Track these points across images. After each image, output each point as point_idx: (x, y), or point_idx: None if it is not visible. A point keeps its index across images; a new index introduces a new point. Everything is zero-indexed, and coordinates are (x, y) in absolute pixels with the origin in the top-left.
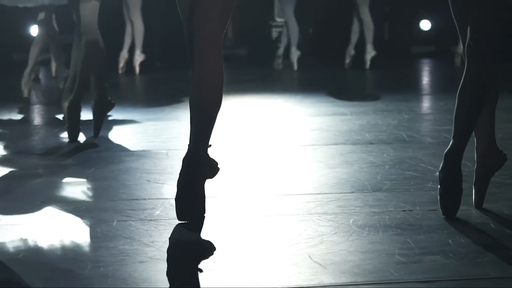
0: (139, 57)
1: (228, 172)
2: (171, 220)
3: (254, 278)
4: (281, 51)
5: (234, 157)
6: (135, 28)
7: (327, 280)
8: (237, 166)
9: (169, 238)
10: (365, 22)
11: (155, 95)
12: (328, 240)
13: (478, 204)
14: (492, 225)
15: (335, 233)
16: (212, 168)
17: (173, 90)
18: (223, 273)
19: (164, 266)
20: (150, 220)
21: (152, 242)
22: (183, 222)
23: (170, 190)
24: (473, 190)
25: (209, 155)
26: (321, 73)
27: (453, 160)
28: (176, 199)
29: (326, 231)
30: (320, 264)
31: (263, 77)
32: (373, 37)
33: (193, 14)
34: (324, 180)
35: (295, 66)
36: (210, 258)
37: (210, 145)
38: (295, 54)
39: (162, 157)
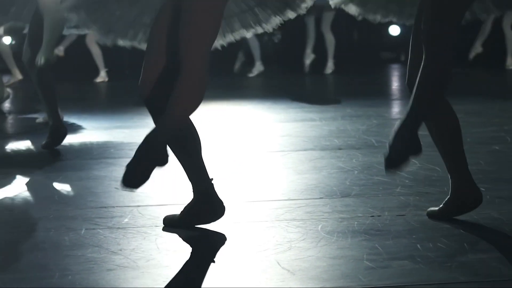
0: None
1: None
2: (140, 228)
3: (223, 284)
4: (241, 58)
5: (206, 163)
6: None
7: (295, 286)
8: (209, 172)
9: (137, 246)
10: (326, 38)
11: (124, 103)
12: (297, 246)
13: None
14: (461, 230)
15: (303, 239)
16: (164, 156)
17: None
18: (191, 280)
19: (132, 274)
20: (119, 228)
21: (120, 250)
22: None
23: (138, 197)
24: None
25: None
26: (290, 80)
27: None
28: (130, 166)
29: (295, 237)
30: (289, 270)
31: (230, 84)
32: (334, 52)
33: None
34: (292, 186)
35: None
36: (178, 265)
37: None
38: (259, 68)
39: None
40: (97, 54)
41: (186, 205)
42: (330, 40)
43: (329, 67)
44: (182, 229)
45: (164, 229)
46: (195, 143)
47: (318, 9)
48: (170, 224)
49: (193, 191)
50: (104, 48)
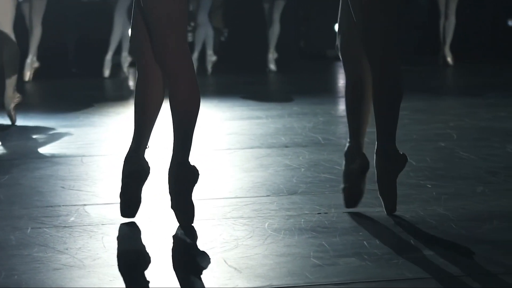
0: (33, 64)
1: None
2: (86, 227)
3: (170, 283)
4: (195, 55)
5: (151, 162)
6: (34, 34)
7: (242, 284)
8: (153, 171)
9: (84, 245)
10: (272, 27)
11: (70, 101)
12: (244, 244)
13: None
14: (407, 227)
15: (250, 237)
16: (195, 174)
17: (88, 96)
18: (138, 278)
19: (78, 273)
20: (65, 226)
21: (67, 249)
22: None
23: (85, 196)
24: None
25: (190, 162)
26: (236, 77)
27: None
28: (174, 208)
29: (242, 235)
30: (235, 268)
31: None
32: (276, 41)
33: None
34: (239, 184)
35: (209, 71)
36: (125, 264)
37: (148, 147)
38: (210, 58)
39: (77, 164)
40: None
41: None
42: (275, 29)
43: (271, 60)
44: (128, 228)
45: (110, 228)
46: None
47: None
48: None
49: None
50: (49, 46)
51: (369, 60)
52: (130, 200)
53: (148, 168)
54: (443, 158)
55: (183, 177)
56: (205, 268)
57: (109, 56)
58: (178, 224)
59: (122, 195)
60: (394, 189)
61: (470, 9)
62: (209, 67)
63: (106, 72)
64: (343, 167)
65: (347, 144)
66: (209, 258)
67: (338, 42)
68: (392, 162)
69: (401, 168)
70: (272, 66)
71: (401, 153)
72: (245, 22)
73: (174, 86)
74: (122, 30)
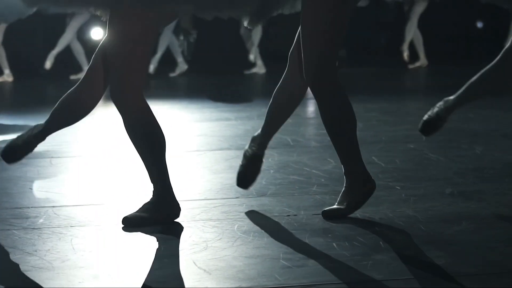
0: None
1: (114, 179)
2: (54, 229)
3: (139, 285)
4: (157, 56)
5: (120, 164)
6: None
7: (211, 286)
8: (123, 173)
9: (53, 247)
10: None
11: (38, 102)
12: (213, 246)
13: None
14: (376, 228)
15: (219, 239)
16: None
17: (56, 97)
18: (107, 280)
19: (47, 275)
20: (34, 228)
21: (35, 251)
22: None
23: (53, 197)
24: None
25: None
26: (205, 79)
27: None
28: None
29: (211, 237)
30: (205, 270)
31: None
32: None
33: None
34: (208, 186)
35: (175, 74)
36: (95, 266)
37: None
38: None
39: (46, 165)
40: (0, 54)
41: (144, 204)
42: (258, 30)
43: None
44: (97, 230)
45: (79, 230)
46: (160, 144)
47: None
48: (132, 224)
49: (153, 191)
50: (14, 49)
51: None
52: None
53: None
54: (412, 160)
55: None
56: (174, 270)
57: (54, 52)
58: (146, 227)
59: None
60: (344, 214)
61: (440, 11)
62: (177, 73)
63: (48, 64)
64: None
65: (259, 131)
66: (179, 260)
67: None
68: (359, 187)
69: (367, 196)
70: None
71: (371, 179)
72: (214, 24)
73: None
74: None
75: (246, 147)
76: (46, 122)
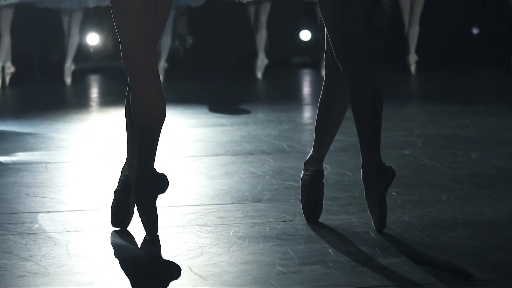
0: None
1: (110, 184)
2: (50, 234)
3: None
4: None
5: (115, 170)
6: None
7: None
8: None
9: (48, 252)
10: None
11: (35, 108)
12: (209, 252)
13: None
14: (372, 234)
15: (215, 245)
16: (162, 183)
17: (53, 103)
18: (102, 286)
19: (42, 280)
20: (29, 234)
21: (31, 256)
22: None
23: (49, 203)
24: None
25: (157, 170)
26: (201, 85)
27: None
28: (141, 215)
29: (207, 242)
30: (200, 276)
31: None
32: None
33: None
34: (204, 191)
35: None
36: (90, 272)
37: None
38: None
39: (41, 170)
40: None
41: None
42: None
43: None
44: (93, 235)
45: (75, 235)
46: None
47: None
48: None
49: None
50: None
51: (347, 73)
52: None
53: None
54: (408, 166)
55: (150, 186)
56: (170, 275)
57: (68, 64)
58: (142, 232)
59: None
60: (383, 204)
61: (435, 17)
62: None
63: (68, 80)
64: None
65: (310, 153)
66: (174, 266)
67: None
68: (379, 175)
69: (389, 181)
70: (259, 74)
71: (388, 166)
72: (210, 29)
73: (139, 94)
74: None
75: (302, 175)
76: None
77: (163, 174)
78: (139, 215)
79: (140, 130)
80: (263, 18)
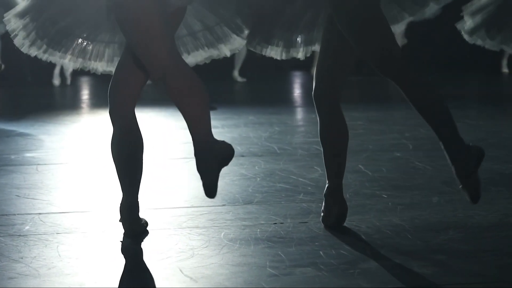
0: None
1: (100, 186)
2: (41, 236)
3: None
4: None
5: (106, 171)
6: None
7: None
8: (109, 180)
9: (39, 254)
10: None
11: (25, 110)
12: (199, 254)
13: None
14: (363, 237)
15: (206, 247)
16: (225, 150)
17: (43, 105)
18: (93, 287)
19: (33, 282)
20: (20, 235)
21: (22, 258)
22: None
23: (40, 205)
24: None
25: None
26: None
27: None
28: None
29: (197, 244)
30: (191, 278)
31: None
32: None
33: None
34: (195, 193)
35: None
36: (81, 273)
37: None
38: None
39: (32, 172)
40: None
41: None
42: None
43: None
44: (83, 237)
45: (65, 237)
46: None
47: None
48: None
49: None
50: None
51: (396, 79)
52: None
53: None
54: (399, 169)
55: (210, 154)
56: (161, 277)
57: (57, 70)
58: (133, 235)
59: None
60: (476, 180)
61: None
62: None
63: (56, 83)
64: (322, 208)
65: (327, 185)
66: (165, 268)
67: (314, 86)
68: (466, 155)
69: (478, 159)
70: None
71: (471, 144)
72: None
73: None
74: None
75: (323, 208)
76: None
77: (223, 141)
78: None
79: (189, 110)
80: None
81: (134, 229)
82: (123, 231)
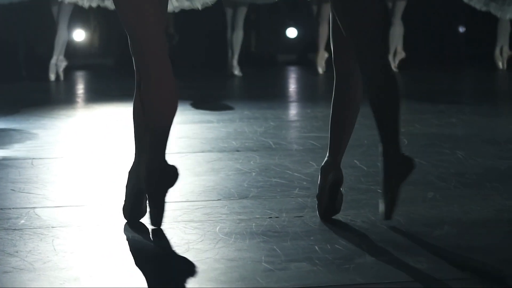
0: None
1: (96, 180)
2: (36, 229)
3: (120, 286)
4: None
5: (101, 166)
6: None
7: None
8: (104, 174)
9: (34, 248)
10: (236, 32)
11: (20, 104)
12: (195, 248)
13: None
14: (358, 231)
15: (201, 241)
16: (173, 175)
17: (38, 99)
18: (88, 281)
19: (28, 276)
20: (15, 229)
21: (17, 252)
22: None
23: (35, 199)
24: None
25: (167, 162)
26: (187, 81)
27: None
28: (151, 207)
29: (193, 238)
30: (186, 272)
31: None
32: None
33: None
34: (190, 188)
35: None
36: (76, 268)
37: None
38: None
39: (27, 166)
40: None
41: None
42: (239, 35)
43: (236, 68)
44: (78, 231)
45: (61, 231)
46: None
47: (232, 3)
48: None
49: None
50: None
51: (363, 64)
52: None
53: None
54: None
55: (161, 179)
56: (155, 271)
57: (53, 61)
58: (128, 229)
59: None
60: (394, 195)
61: (420, 15)
62: None
63: (52, 76)
64: (318, 182)
65: (325, 159)
66: (160, 262)
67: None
68: (396, 165)
69: (407, 172)
70: (237, 72)
71: (406, 155)
72: (197, 27)
73: (153, 90)
74: (67, 34)
75: (319, 183)
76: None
77: (173, 166)
78: (149, 206)
79: (154, 124)
80: (240, 20)
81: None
82: (116, 226)
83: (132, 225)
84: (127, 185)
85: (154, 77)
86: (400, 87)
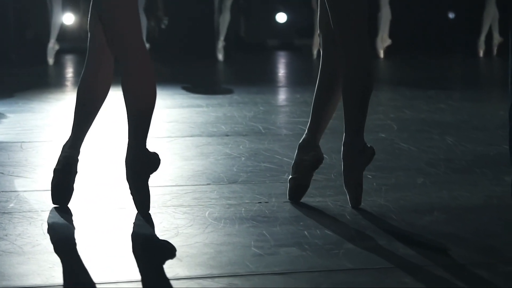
0: None
1: (84, 164)
2: (25, 213)
3: (109, 270)
4: None
5: (90, 149)
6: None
7: (182, 272)
8: (93, 158)
9: (23, 231)
10: (223, 15)
11: (9, 88)
12: (184, 233)
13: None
14: (348, 217)
15: (190, 226)
16: (155, 161)
17: (27, 82)
18: (75, 266)
19: (17, 259)
20: (4, 213)
21: (6, 235)
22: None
23: (24, 182)
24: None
25: (148, 149)
26: (177, 66)
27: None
28: (133, 194)
29: (182, 223)
30: (176, 257)
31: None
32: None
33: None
34: (179, 172)
35: None
36: (63, 251)
37: None
38: None
39: (16, 150)
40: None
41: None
42: (226, 18)
43: (220, 51)
44: (68, 215)
45: (50, 214)
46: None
47: None
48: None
49: None
50: None
51: (344, 53)
52: (62, 189)
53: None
54: (383, 149)
55: (143, 165)
56: (144, 256)
57: (51, 44)
58: (117, 212)
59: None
60: (360, 182)
61: (410, 2)
62: None
63: (50, 61)
64: (294, 158)
65: (304, 136)
66: (149, 246)
67: (319, 34)
68: (359, 154)
69: (368, 161)
70: (220, 56)
71: (369, 146)
72: (186, 11)
73: (134, 78)
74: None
75: (296, 157)
76: (71, 132)
77: (154, 152)
78: (131, 193)
79: (136, 112)
80: (227, 3)
81: None
82: (104, 210)
83: (56, 204)
84: (59, 157)
85: (134, 63)
86: (374, 81)
